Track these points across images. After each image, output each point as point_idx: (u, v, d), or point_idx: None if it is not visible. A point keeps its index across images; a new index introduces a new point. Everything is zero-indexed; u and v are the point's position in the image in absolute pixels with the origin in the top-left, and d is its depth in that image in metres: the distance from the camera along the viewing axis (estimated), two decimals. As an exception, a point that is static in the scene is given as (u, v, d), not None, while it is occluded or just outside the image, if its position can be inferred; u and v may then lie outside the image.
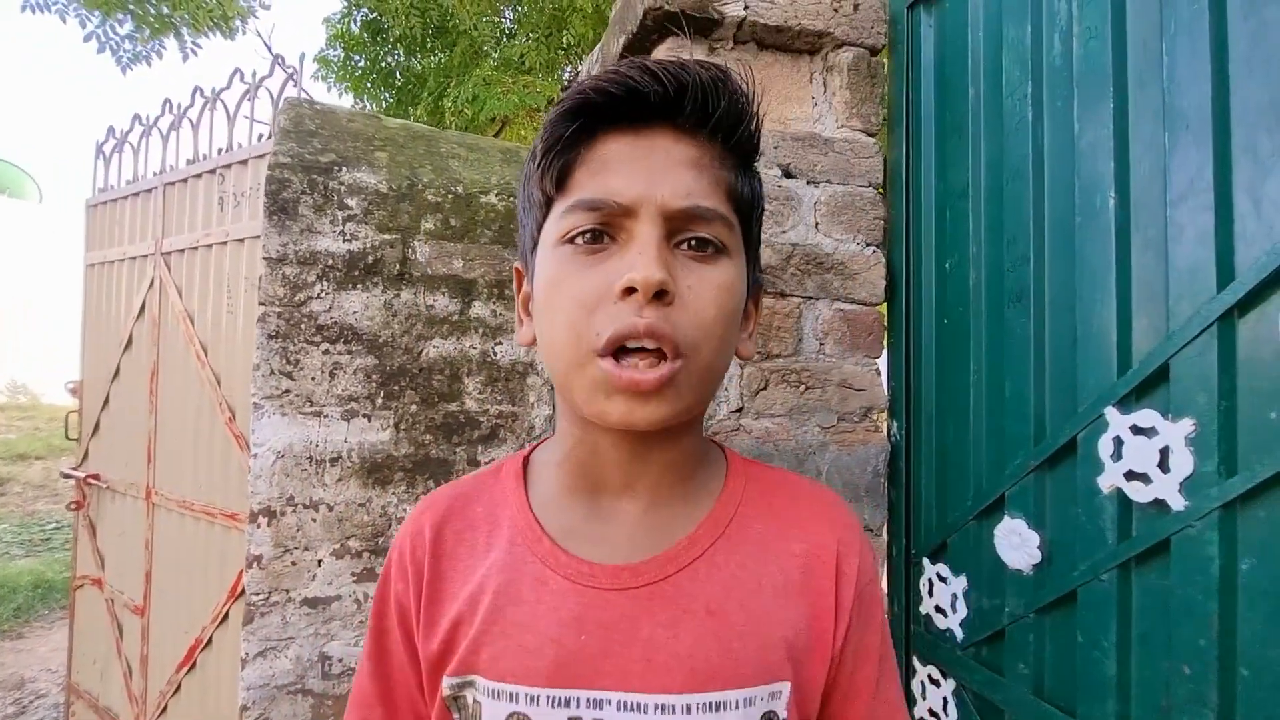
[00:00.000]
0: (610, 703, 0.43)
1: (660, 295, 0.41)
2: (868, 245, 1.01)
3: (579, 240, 0.44)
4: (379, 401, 1.35)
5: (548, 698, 0.44)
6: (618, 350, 0.41)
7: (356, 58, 3.69)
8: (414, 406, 1.37)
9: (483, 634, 0.46)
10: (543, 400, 1.46)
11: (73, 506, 2.51)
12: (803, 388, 0.97)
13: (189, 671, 1.92)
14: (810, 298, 0.98)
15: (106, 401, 2.37)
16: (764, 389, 0.95)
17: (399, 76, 3.71)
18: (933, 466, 0.97)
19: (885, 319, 1.03)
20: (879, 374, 1.01)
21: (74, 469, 2.50)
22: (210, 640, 1.85)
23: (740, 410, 0.94)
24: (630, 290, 0.40)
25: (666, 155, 0.43)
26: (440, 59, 3.44)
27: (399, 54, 3.67)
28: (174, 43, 3.45)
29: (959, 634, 0.91)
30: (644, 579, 0.46)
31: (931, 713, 0.96)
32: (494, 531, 0.50)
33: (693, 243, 0.43)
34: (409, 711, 0.52)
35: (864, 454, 0.99)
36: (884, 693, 0.50)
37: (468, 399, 1.41)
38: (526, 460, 0.54)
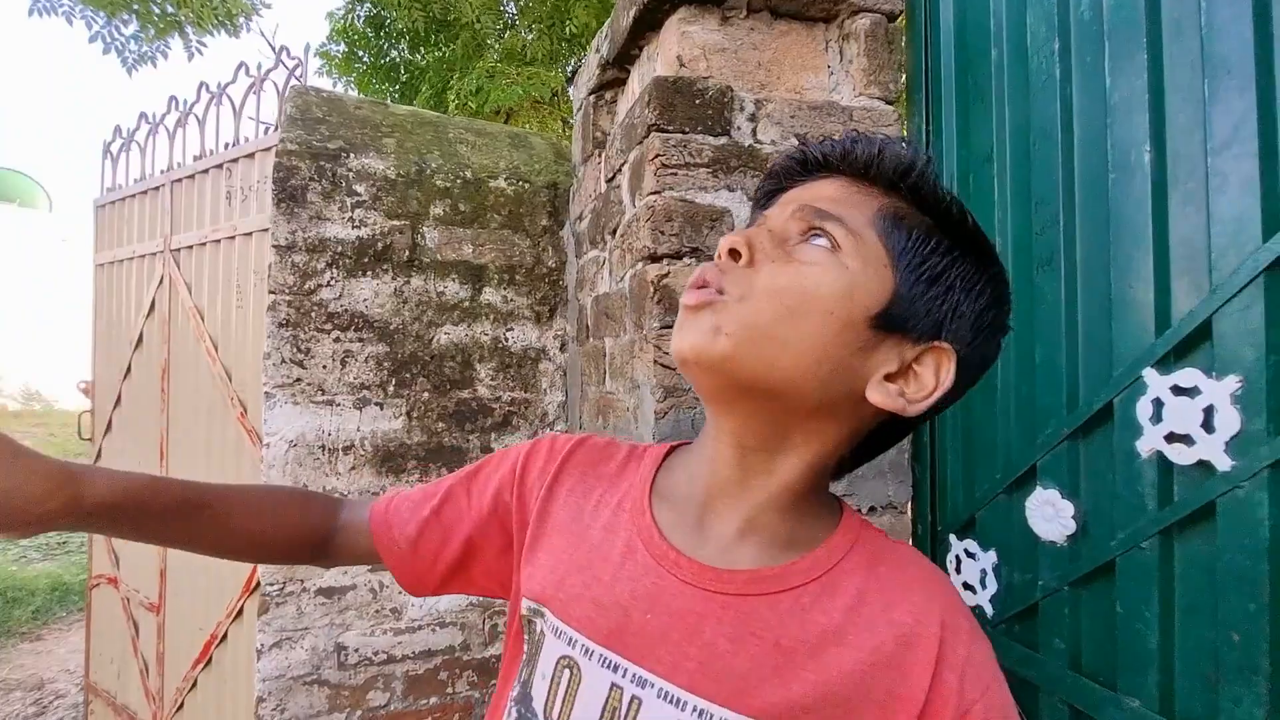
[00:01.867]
0: (653, 686, 0.45)
1: (734, 255, 0.46)
2: (888, 215, 0.98)
3: None
4: (391, 389, 1.34)
5: (600, 656, 0.46)
6: None
7: (360, 53, 3.68)
8: (426, 394, 1.36)
9: (565, 574, 0.50)
10: (555, 386, 1.44)
11: (87, 506, 2.51)
12: (824, 362, 0.95)
13: (205, 667, 1.92)
14: (830, 270, 0.95)
15: (119, 400, 2.37)
16: (784, 363, 0.93)
17: (402, 71, 3.70)
18: (959, 441, 0.94)
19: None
20: (902, 347, 0.99)
21: (88, 468, 2.51)
22: (226, 635, 1.85)
23: (761, 385, 0.92)
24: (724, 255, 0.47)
25: (818, 188, 0.49)
26: (443, 52, 3.42)
27: (402, 48, 3.66)
28: (179, 42, 3.47)
29: (989, 610, 0.89)
30: (725, 587, 0.46)
31: (962, 693, 0.94)
32: (612, 493, 0.54)
33: (811, 235, 0.46)
34: (430, 549, 0.57)
35: (888, 429, 0.96)
36: None
37: (480, 386, 1.40)
38: (669, 451, 0.57)
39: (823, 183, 0.48)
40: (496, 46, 3.29)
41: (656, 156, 0.90)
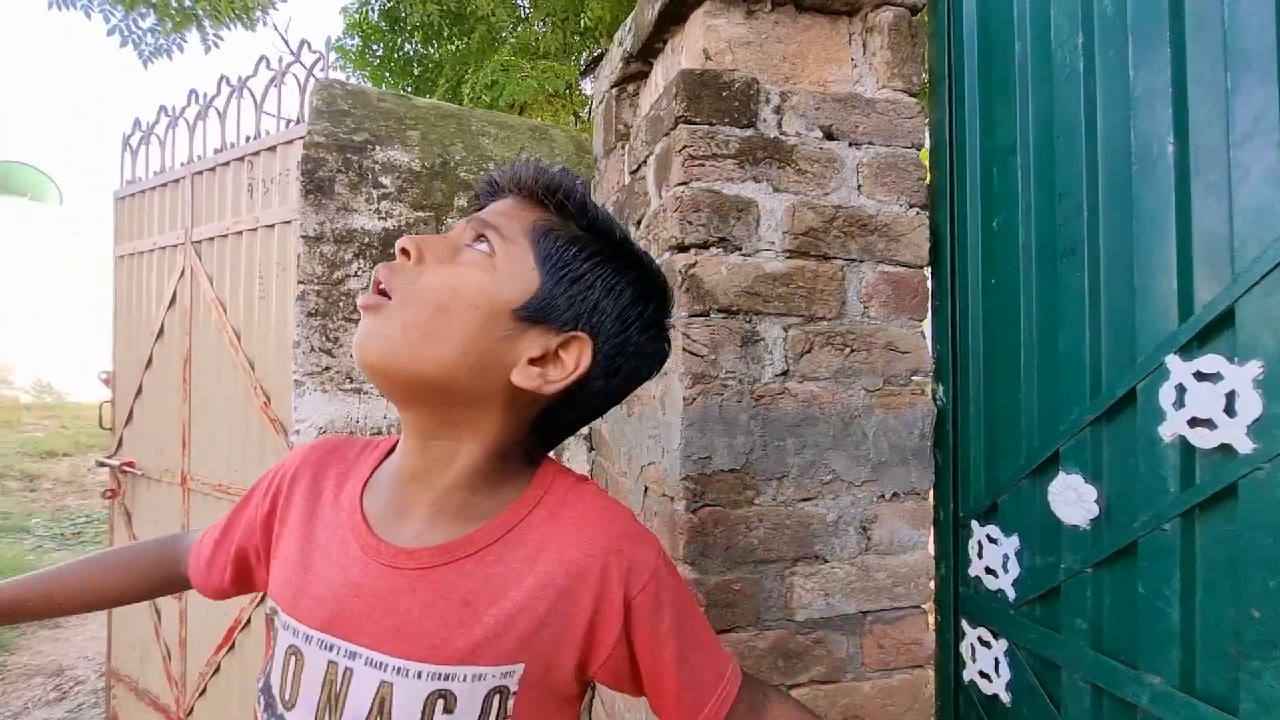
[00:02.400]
0: (361, 657, 0.53)
1: (404, 254, 0.53)
2: (911, 207, 1.00)
3: None
4: (416, 378, 1.36)
5: (318, 640, 0.54)
6: None
7: (375, 46, 3.71)
8: (450, 383, 1.39)
9: (292, 575, 0.58)
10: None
11: (108, 494, 2.55)
12: (848, 350, 0.96)
13: (228, 651, 1.95)
14: (854, 260, 0.97)
15: (139, 390, 2.40)
16: (808, 351, 0.95)
17: (416, 65, 3.73)
18: (981, 428, 0.96)
19: (929, 281, 1.03)
20: (924, 336, 1.01)
21: (108, 457, 2.55)
22: (249, 620, 1.88)
23: (785, 373, 0.94)
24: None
25: (494, 206, 0.58)
26: (458, 46, 3.44)
27: (416, 42, 3.68)
28: (195, 36, 3.50)
29: (1011, 594, 0.91)
30: (417, 564, 0.54)
31: (982, 674, 0.96)
32: (339, 492, 0.61)
33: (476, 241, 0.55)
34: (218, 568, 0.69)
35: (910, 417, 0.98)
36: (689, 662, 0.59)
37: (502, 375, 1.42)
38: (396, 444, 0.63)
39: (499, 202, 0.57)
40: (511, 40, 3.30)
41: (684, 148, 0.92)
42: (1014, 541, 0.91)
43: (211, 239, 2.09)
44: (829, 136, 0.98)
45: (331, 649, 0.53)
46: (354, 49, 3.78)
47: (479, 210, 0.59)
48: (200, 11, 3.21)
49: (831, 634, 0.96)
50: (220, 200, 2.08)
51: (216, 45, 3.57)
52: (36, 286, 11.47)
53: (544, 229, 0.54)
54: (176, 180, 2.26)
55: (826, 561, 0.95)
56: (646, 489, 1.06)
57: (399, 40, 3.70)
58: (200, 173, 2.15)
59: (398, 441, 0.63)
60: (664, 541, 0.82)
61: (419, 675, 0.52)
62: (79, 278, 11.33)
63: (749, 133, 0.94)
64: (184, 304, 2.17)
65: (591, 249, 0.55)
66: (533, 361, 0.53)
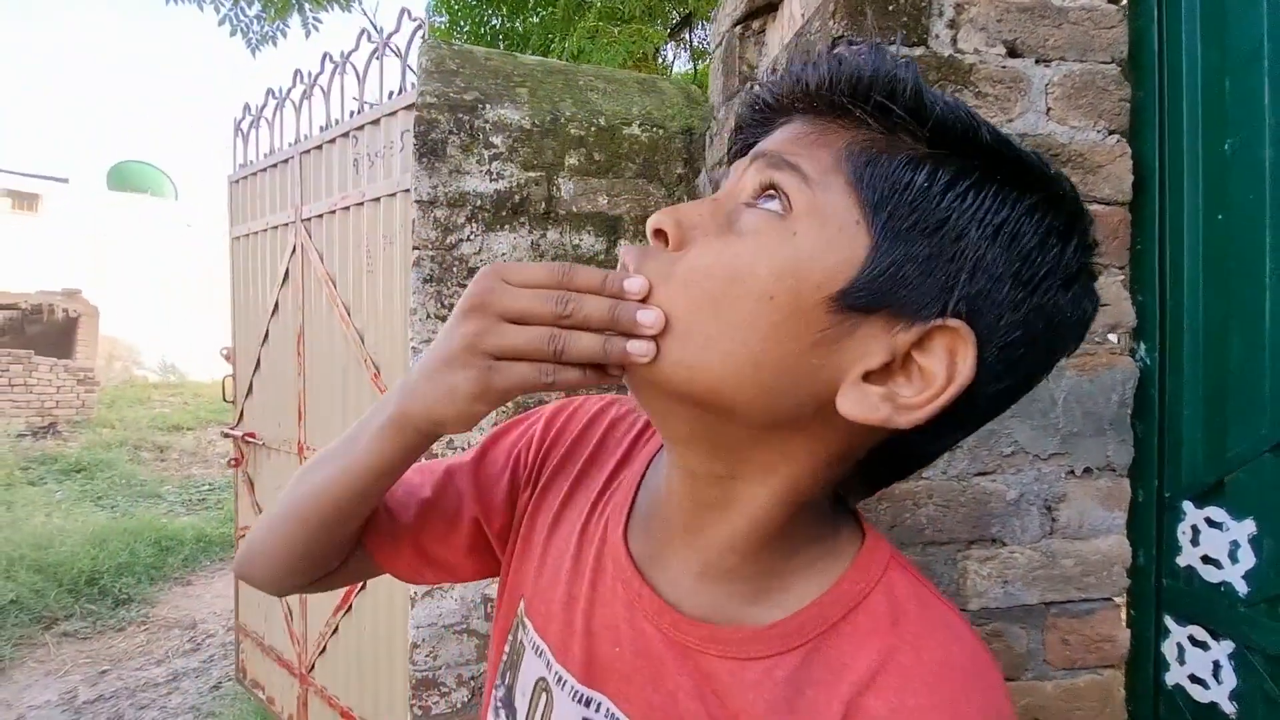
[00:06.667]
0: None
1: (659, 235, 0.38)
2: (1111, 133, 0.85)
3: None
4: (529, 345, 1.32)
5: (572, 689, 0.42)
6: None
7: (462, 23, 3.73)
8: (563, 350, 1.34)
9: (551, 587, 0.45)
10: (692, 343, 1.39)
11: (232, 463, 2.71)
12: (1034, 303, 0.83)
13: (346, 614, 2.03)
14: (1041, 197, 0.84)
15: (258, 365, 2.52)
16: (987, 305, 0.83)
17: (502, 40, 3.72)
18: (1199, 393, 0.81)
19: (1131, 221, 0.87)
20: (1124, 286, 0.86)
21: (231, 429, 2.70)
22: (364, 584, 1.94)
23: (960, 329, 0.82)
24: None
25: (776, 135, 0.38)
26: (543, 16, 3.40)
27: (502, 15, 3.67)
28: (296, 21, 3.64)
29: (1242, 588, 0.77)
30: (683, 637, 0.39)
31: (1194, 678, 0.82)
32: (607, 491, 0.48)
33: (764, 196, 0.36)
34: (434, 538, 0.51)
35: (1108, 380, 0.84)
36: None
37: (615, 343, 1.36)
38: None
39: (782, 129, 0.38)
40: (596, 4, 3.23)
41: (845, 74, 0.81)
42: (1248, 526, 0.76)
43: (320, 216, 2.14)
44: (1013, 53, 0.84)
45: (589, 704, 0.41)
46: (443, 25, 3.81)
47: (747, 146, 0.40)
48: (300, -5, 3.32)
49: (1010, 626, 0.84)
50: (327, 177, 2.12)
51: (316, 29, 3.70)
52: (158, 276, 12.54)
53: (865, 155, 0.34)
54: (285, 160, 2.33)
55: (1005, 545, 0.84)
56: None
57: (485, 15, 3.69)
58: (307, 151, 2.20)
59: None
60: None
61: None
62: (194, 266, 12.30)
63: (919, 51, 0.82)
64: (296, 280, 2.24)
65: (952, 170, 0.33)
66: (870, 376, 0.33)
